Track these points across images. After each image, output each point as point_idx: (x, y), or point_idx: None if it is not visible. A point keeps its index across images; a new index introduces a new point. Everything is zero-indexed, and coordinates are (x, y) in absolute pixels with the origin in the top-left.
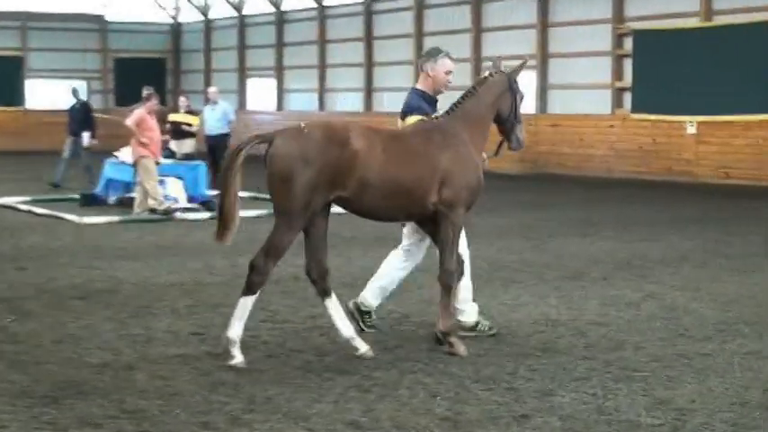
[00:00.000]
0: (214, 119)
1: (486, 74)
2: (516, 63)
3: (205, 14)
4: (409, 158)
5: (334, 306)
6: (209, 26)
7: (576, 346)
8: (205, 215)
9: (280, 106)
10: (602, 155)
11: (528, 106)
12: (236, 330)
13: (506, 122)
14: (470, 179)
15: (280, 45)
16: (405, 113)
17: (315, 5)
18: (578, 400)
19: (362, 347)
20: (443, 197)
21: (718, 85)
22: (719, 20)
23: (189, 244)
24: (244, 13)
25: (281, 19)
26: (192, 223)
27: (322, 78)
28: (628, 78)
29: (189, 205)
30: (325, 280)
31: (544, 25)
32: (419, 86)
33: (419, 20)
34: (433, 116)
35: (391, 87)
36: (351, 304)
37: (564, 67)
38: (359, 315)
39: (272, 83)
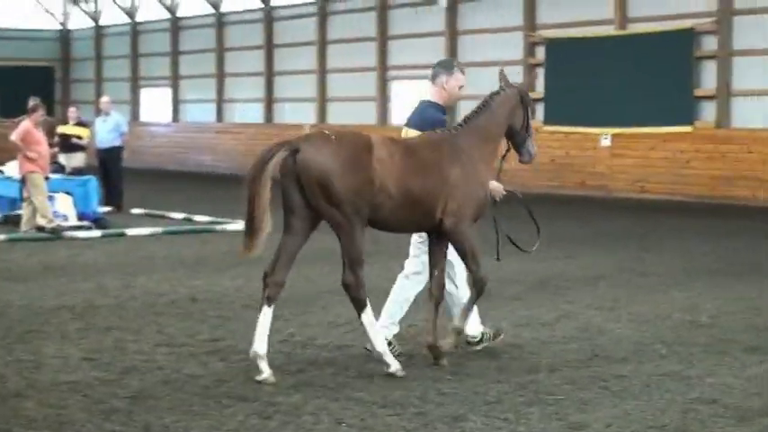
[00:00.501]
0: (106, 131)
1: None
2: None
3: (96, 21)
4: (421, 170)
5: (267, 316)
6: (100, 33)
7: (489, 369)
8: (96, 233)
9: (175, 117)
10: (514, 169)
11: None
12: (379, 343)
13: (518, 136)
14: (476, 194)
15: (175, 53)
16: (425, 129)
17: (212, 11)
18: (490, 425)
19: (265, 373)
20: (448, 210)
21: (634, 96)
22: (634, 28)
23: (79, 264)
24: (137, 19)
25: (176, 26)
26: (82, 242)
27: (220, 88)
28: (540, 89)
29: (79, 223)
30: (278, 289)
31: (453, 33)
32: (432, 99)
33: (322, 27)
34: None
35: (294, 98)
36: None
37: (473, 77)
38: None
39: (167, 93)
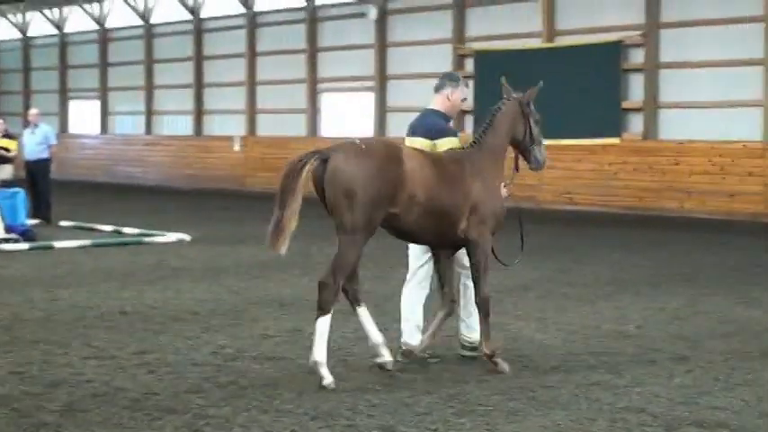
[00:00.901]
0: (34, 143)
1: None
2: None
3: (23, 32)
4: (449, 182)
5: (364, 314)
6: (27, 44)
7: (418, 380)
8: (24, 246)
9: (104, 129)
10: None
11: (366, 129)
12: (321, 353)
13: (521, 145)
14: (495, 209)
15: (104, 65)
16: (434, 136)
17: (141, 23)
18: None
19: (386, 357)
20: (471, 224)
21: (562, 108)
22: (563, 41)
23: (6, 277)
24: (65, 30)
25: (104, 37)
26: (9, 255)
27: (149, 100)
28: (469, 100)
29: (7, 236)
30: (355, 289)
31: (382, 45)
32: (437, 108)
33: (252, 39)
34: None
35: (223, 110)
36: (400, 354)
37: (403, 89)
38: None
39: (95, 105)
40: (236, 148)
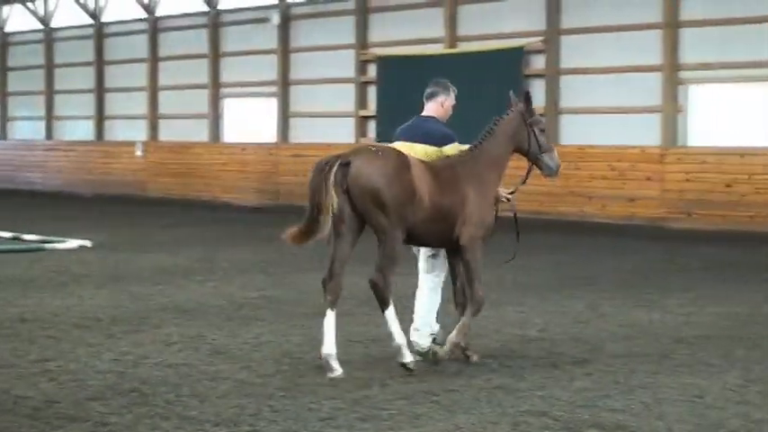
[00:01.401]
0: None
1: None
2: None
3: None
4: (448, 188)
5: (331, 319)
6: None
7: (322, 385)
8: None
9: (3, 134)
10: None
11: (268, 135)
12: (399, 338)
13: (529, 154)
14: (487, 215)
15: (3, 69)
16: (438, 142)
17: (41, 27)
18: None
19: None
20: (464, 229)
21: (464, 114)
22: (465, 47)
23: None
24: None
25: (3, 41)
26: None
27: (49, 105)
28: (372, 106)
29: None
30: (337, 294)
31: (285, 50)
32: (432, 114)
33: (154, 44)
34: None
35: (125, 115)
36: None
37: (306, 95)
38: (423, 357)
39: None
40: (138, 153)
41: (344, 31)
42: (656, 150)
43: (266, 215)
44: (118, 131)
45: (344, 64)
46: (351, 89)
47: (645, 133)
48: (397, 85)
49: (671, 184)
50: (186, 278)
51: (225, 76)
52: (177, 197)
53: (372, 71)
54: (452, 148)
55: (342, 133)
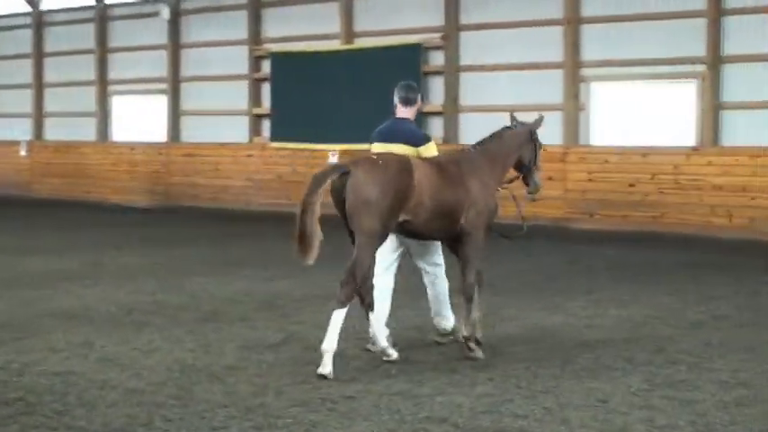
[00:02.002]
0: None
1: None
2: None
3: None
4: (450, 184)
5: (380, 315)
6: None
7: (215, 393)
8: None
9: None
10: (241, 186)
11: (159, 134)
12: (331, 342)
13: (525, 169)
14: (490, 205)
15: None
16: (419, 143)
17: None
18: None
19: (393, 355)
20: (469, 219)
21: (362, 112)
22: (362, 43)
23: None
24: None
25: None
26: None
27: None
28: (266, 104)
29: None
30: (370, 295)
31: (176, 46)
32: (408, 117)
33: (38, 39)
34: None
35: (8, 113)
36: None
37: (198, 92)
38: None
39: None
40: (23, 153)
41: (237, 26)
42: (559, 149)
43: (156, 217)
44: (1, 130)
45: (237, 60)
46: (244, 86)
47: (546, 132)
48: (291, 83)
49: (573, 184)
50: (74, 282)
51: (113, 73)
52: (64, 198)
53: (266, 67)
54: (430, 147)
55: (235, 132)
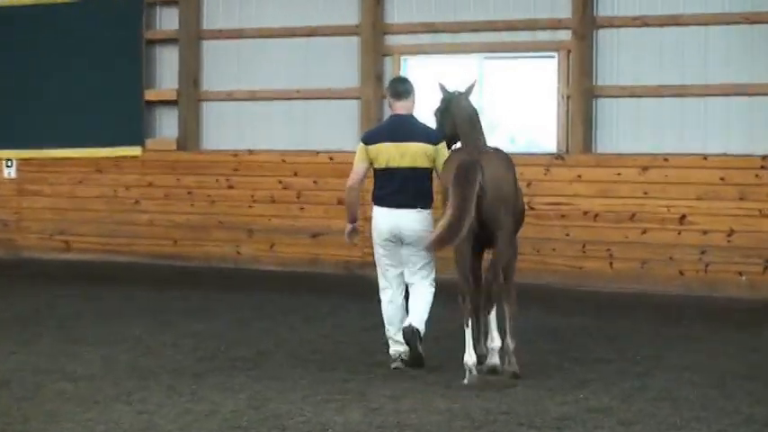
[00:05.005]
0: None
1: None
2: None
3: None
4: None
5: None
6: None
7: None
8: None
9: None
10: None
11: None
12: (496, 341)
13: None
14: (522, 205)
15: None
16: (437, 141)
17: None
18: None
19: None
20: (512, 218)
21: (54, 101)
22: None
23: None
24: None
25: None
26: None
27: None
28: None
29: None
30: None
31: None
32: (410, 112)
33: None
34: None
35: None
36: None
37: None
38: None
39: None
40: None
41: None
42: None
43: None
44: None
45: None
46: None
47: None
48: None
49: None
50: None
51: None
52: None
53: None
54: (444, 147)
55: None
